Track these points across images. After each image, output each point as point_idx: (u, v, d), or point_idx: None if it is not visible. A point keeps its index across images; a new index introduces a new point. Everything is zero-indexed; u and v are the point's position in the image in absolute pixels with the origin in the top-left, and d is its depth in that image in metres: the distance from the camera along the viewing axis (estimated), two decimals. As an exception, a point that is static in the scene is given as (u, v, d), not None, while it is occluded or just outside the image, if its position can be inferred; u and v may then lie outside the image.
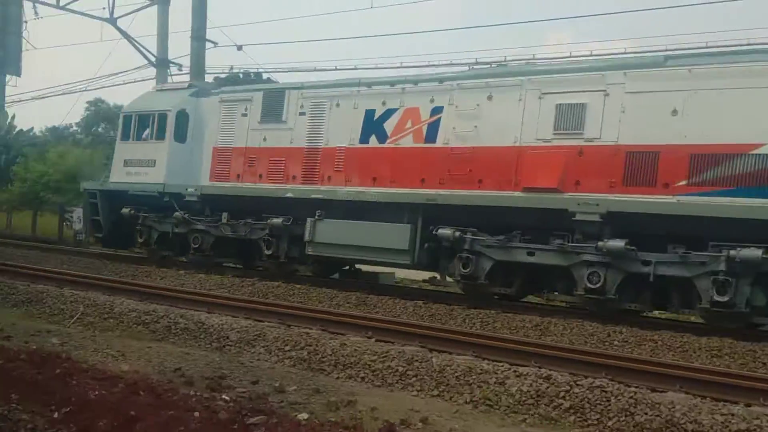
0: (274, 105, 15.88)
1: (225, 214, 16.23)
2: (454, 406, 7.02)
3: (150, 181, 17.26)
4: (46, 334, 9.16)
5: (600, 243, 11.34)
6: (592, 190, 11.75)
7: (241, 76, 18.34)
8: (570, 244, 11.79)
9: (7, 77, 36.04)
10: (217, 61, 50.74)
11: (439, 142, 13.49)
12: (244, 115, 16.31)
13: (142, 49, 27.28)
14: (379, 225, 13.66)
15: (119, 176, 18.08)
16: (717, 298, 10.39)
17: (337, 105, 15.00)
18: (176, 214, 16.78)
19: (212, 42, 25.21)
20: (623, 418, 6.42)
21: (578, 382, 7.00)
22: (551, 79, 12.67)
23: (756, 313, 10.57)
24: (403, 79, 14.60)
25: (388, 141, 14.14)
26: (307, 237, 14.61)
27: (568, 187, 12.01)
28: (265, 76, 18.37)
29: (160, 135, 17.19)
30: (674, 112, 11.21)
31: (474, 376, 7.41)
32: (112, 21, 27.57)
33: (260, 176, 15.89)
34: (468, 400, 7.11)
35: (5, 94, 35.22)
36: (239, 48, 25.41)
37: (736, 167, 10.67)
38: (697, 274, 10.71)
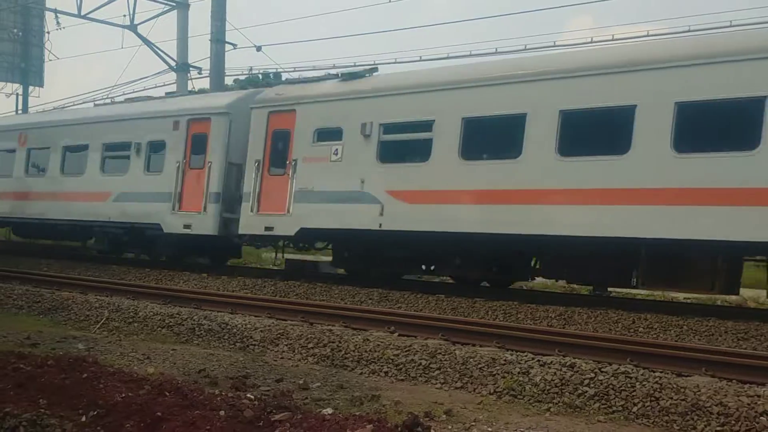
0: None
1: None
2: (478, 397, 7.02)
3: None
4: (72, 340, 9.28)
5: None
6: None
7: (260, 77, 18.38)
8: None
9: (30, 88, 36.51)
10: (236, 63, 50.98)
11: None
12: None
13: (162, 54, 27.50)
14: None
15: None
16: None
17: None
18: None
19: (231, 44, 25.32)
20: (648, 403, 6.38)
21: (603, 369, 6.96)
22: None
23: None
24: None
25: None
26: None
27: None
28: (284, 76, 18.37)
29: None
30: None
31: (497, 367, 7.40)
32: (132, 28, 27.79)
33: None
34: (492, 391, 7.10)
35: (29, 105, 35.70)
36: (258, 49, 25.53)
37: None
38: None
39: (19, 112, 34.78)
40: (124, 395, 5.88)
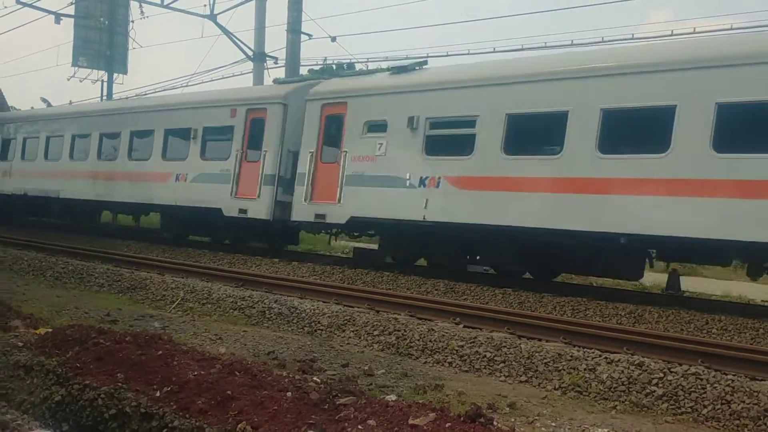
0: None
1: None
2: (543, 392, 6.98)
3: None
4: (149, 318, 9.65)
5: None
6: None
7: (334, 67, 18.60)
8: None
9: (115, 75, 37.83)
10: (312, 54, 51.72)
11: None
12: None
13: (240, 43, 28.11)
14: None
15: None
16: None
17: None
18: None
19: (307, 34, 25.74)
20: (719, 406, 6.23)
21: (672, 369, 6.83)
22: None
23: None
24: None
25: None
26: None
27: None
28: (357, 66, 18.57)
29: None
30: None
31: (563, 363, 7.34)
32: (212, 17, 28.52)
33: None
34: (557, 386, 7.06)
35: (113, 92, 37.02)
36: (333, 39, 25.92)
37: None
38: None
39: (104, 98, 36.06)
40: (196, 373, 6.09)
